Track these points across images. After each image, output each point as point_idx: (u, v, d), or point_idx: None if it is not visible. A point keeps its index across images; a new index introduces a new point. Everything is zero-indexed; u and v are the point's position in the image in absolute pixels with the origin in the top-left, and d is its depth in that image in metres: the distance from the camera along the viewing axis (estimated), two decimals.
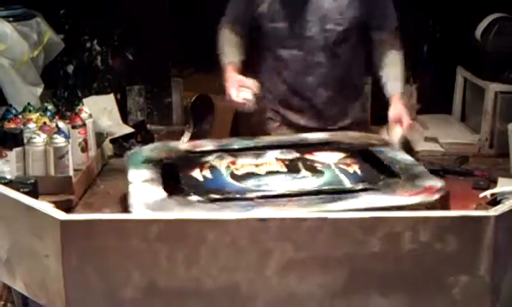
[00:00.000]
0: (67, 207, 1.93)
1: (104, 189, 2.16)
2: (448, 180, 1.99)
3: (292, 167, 1.90)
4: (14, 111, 2.36)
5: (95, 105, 2.90)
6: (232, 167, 1.90)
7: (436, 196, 1.69)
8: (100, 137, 2.49)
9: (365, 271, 1.21)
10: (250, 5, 2.37)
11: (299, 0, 2.30)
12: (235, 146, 2.10)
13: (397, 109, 2.24)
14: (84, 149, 2.28)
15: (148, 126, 3.02)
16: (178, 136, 2.61)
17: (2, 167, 2.05)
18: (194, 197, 1.67)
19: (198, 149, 2.08)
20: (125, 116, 3.20)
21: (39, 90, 2.79)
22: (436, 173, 2.00)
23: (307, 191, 1.73)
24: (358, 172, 1.87)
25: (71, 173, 2.11)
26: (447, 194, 1.73)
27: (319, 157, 2.00)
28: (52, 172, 2.10)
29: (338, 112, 2.42)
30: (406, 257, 1.21)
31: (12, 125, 2.21)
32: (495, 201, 1.92)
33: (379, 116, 2.41)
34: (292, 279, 1.21)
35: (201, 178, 1.83)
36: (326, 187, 1.76)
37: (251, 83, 2.27)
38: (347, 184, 1.78)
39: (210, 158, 1.97)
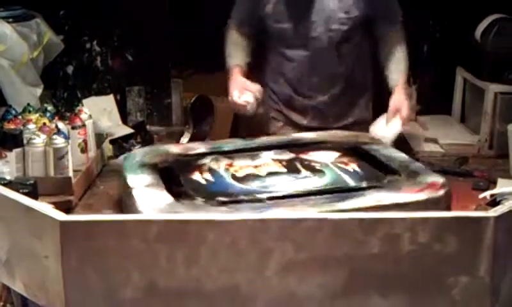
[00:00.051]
0: (67, 208, 1.93)
1: (103, 190, 2.16)
2: (447, 181, 2.00)
3: (291, 168, 1.90)
4: (14, 112, 2.36)
5: (94, 105, 2.90)
6: (231, 169, 1.89)
7: (441, 192, 1.72)
8: (99, 137, 2.49)
9: (365, 272, 1.21)
10: (256, 6, 2.37)
11: (304, 0, 2.31)
12: (227, 148, 2.08)
13: (398, 98, 2.24)
14: (84, 150, 2.28)
15: (147, 127, 3.02)
16: (178, 137, 2.62)
17: (1, 168, 2.05)
18: (202, 201, 1.65)
19: (190, 152, 2.05)
20: (124, 117, 3.20)
21: (38, 91, 2.78)
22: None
23: (316, 191, 1.73)
24: (358, 170, 1.87)
25: (70, 173, 2.11)
26: (449, 190, 1.76)
27: (314, 156, 2.00)
28: (51, 173, 2.10)
29: (341, 112, 2.43)
30: (405, 258, 1.21)
31: (12, 126, 2.21)
32: (494, 202, 1.92)
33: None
34: (292, 280, 1.21)
35: (203, 181, 1.82)
36: (333, 187, 1.76)
37: (254, 87, 2.28)
38: (351, 183, 1.79)
39: (206, 161, 1.95)
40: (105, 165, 2.38)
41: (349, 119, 2.44)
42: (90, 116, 2.40)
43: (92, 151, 2.35)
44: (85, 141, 2.29)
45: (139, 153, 2.06)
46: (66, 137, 2.15)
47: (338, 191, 1.72)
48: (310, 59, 2.35)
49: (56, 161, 2.10)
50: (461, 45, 3.05)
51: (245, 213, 1.53)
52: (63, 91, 3.29)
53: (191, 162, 1.96)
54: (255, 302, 1.22)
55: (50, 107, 2.46)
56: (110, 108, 3.08)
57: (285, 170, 1.89)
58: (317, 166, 1.91)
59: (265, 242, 1.20)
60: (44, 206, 1.28)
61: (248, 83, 2.29)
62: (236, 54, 2.41)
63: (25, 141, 2.12)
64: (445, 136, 2.84)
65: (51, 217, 1.22)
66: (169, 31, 3.31)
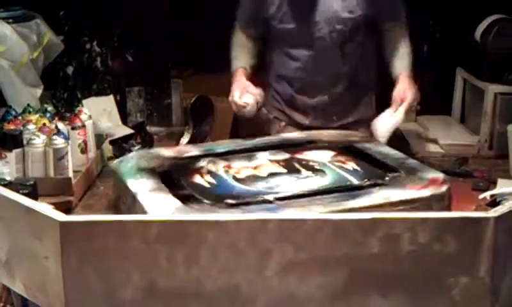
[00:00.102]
0: (67, 208, 1.93)
1: (103, 191, 2.16)
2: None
3: (290, 168, 1.90)
4: (13, 112, 2.36)
5: (94, 106, 2.90)
6: (231, 171, 1.88)
7: (445, 187, 1.74)
8: (99, 138, 2.49)
9: (365, 272, 1.21)
10: (260, 7, 2.38)
11: (308, 1, 2.31)
12: (220, 150, 2.06)
13: (402, 87, 2.24)
14: (84, 150, 2.28)
15: (147, 127, 3.02)
16: (178, 137, 2.62)
17: (1, 169, 2.05)
18: (211, 204, 1.63)
19: (185, 155, 2.03)
20: (124, 118, 3.20)
21: (38, 91, 2.78)
22: None
23: (323, 190, 1.73)
24: (358, 169, 1.88)
25: (70, 174, 2.11)
26: (450, 185, 1.78)
27: (310, 156, 1.99)
28: (51, 173, 2.10)
29: (344, 111, 2.44)
30: (405, 258, 1.21)
31: (12, 126, 2.21)
32: (494, 202, 1.92)
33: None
34: (292, 280, 1.21)
35: (206, 184, 1.80)
36: (338, 186, 1.76)
37: (256, 90, 2.28)
38: (355, 181, 1.79)
39: (204, 164, 1.93)
40: (105, 166, 2.37)
41: (351, 118, 2.44)
42: (90, 117, 2.41)
43: (92, 152, 2.35)
44: (85, 142, 2.29)
45: (132, 157, 2.01)
46: (66, 138, 2.16)
47: (345, 190, 1.73)
48: (314, 58, 2.35)
49: (55, 162, 2.10)
50: (461, 45, 3.04)
51: (244, 214, 1.53)
52: (62, 91, 3.29)
53: (188, 165, 1.93)
54: (255, 303, 1.22)
55: (50, 108, 2.47)
56: (110, 108, 3.08)
57: (285, 170, 1.88)
58: (316, 166, 1.91)
59: (265, 243, 1.20)
60: (44, 207, 1.28)
61: (250, 85, 2.30)
62: (241, 56, 2.42)
63: (25, 142, 2.12)
64: (445, 137, 2.84)
65: (51, 217, 1.22)
66: (169, 31, 3.31)
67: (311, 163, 1.93)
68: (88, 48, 3.29)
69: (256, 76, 2.42)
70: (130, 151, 2.58)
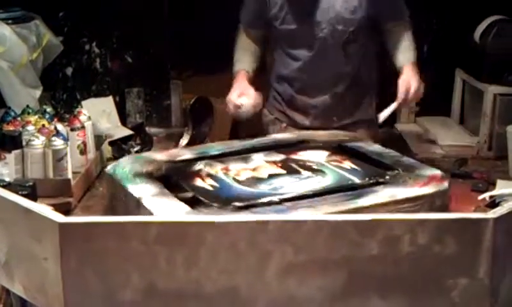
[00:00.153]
0: (66, 210, 1.93)
1: (102, 192, 2.16)
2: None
3: (289, 169, 1.90)
4: (13, 113, 2.36)
5: (93, 107, 2.90)
6: (230, 173, 1.87)
7: (446, 184, 1.77)
8: (98, 139, 2.49)
9: (365, 274, 1.21)
10: (262, 8, 2.38)
11: (310, 1, 2.31)
12: (213, 153, 2.05)
13: (407, 75, 2.24)
14: (83, 151, 2.28)
15: (147, 128, 3.02)
16: (177, 138, 2.62)
17: (0, 170, 2.06)
18: (219, 207, 1.62)
19: (178, 159, 2.01)
20: (124, 119, 3.20)
21: (38, 92, 2.78)
22: None
23: (328, 190, 1.73)
24: (356, 168, 1.88)
25: (70, 175, 2.11)
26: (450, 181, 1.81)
27: (305, 156, 1.99)
28: (50, 174, 2.10)
29: (344, 111, 2.43)
30: (404, 259, 1.21)
31: (11, 128, 2.21)
32: (493, 204, 1.92)
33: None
34: (292, 282, 1.21)
35: (209, 187, 1.78)
36: (343, 185, 1.77)
37: (254, 94, 2.28)
38: (356, 181, 1.79)
39: (201, 167, 1.91)
40: (105, 167, 2.37)
41: (352, 119, 2.44)
42: (89, 118, 2.41)
43: (91, 153, 2.36)
44: (84, 143, 2.29)
45: (126, 162, 1.95)
46: (65, 139, 2.16)
47: (349, 189, 1.73)
48: (315, 58, 2.35)
49: (55, 163, 2.10)
50: (460, 46, 3.05)
51: (244, 215, 1.53)
52: (62, 92, 3.29)
53: (185, 169, 1.91)
54: (255, 304, 1.22)
55: (49, 109, 2.47)
56: (109, 110, 3.08)
57: (284, 171, 1.88)
58: (314, 166, 1.91)
59: (265, 244, 1.20)
60: (43, 208, 1.27)
61: (250, 89, 2.30)
62: (244, 59, 2.43)
63: (24, 143, 2.12)
64: (444, 138, 2.84)
65: (50, 219, 1.22)
66: (168, 32, 3.32)
67: (308, 163, 1.93)
68: (87, 49, 3.29)
69: (258, 77, 2.42)
70: (129, 152, 2.58)
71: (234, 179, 1.82)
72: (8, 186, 1.84)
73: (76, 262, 1.21)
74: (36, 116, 2.34)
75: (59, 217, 1.22)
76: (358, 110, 2.45)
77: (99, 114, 2.94)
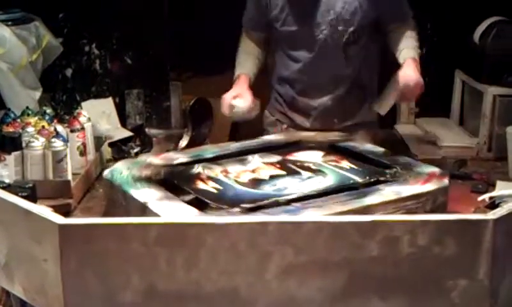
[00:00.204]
0: (66, 211, 1.93)
1: (102, 193, 2.16)
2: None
3: (288, 169, 1.90)
4: (12, 115, 2.36)
5: (93, 108, 2.90)
6: (230, 175, 1.85)
7: (446, 181, 1.79)
8: (98, 140, 2.49)
9: (365, 275, 1.21)
10: (263, 9, 2.38)
11: (311, 3, 2.31)
12: (208, 155, 2.04)
13: (408, 68, 2.23)
14: (83, 153, 2.28)
15: (146, 130, 3.02)
16: (176, 140, 2.62)
17: (0, 171, 2.06)
18: (228, 209, 1.61)
19: (174, 162, 1.99)
20: (123, 120, 3.19)
21: (37, 94, 2.78)
22: None
23: (334, 189, 1.73)
24: (355, 167, 1.88)
25: (69, 176, 2.11)
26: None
27: (301, 157, 1.99)
28: (50, 176, 2.10)
29: (345, 113, 2.43)
30: (404, 260, 1.21)
31: (10, 129, 2.21)
32: (493, 205, 1.93)
33: (383, 117, 2.42)
34: (292, 283, 1.21)
35: (213, 190, 1.76)
36: (348, 184, 1.77)
37: (251, 99, 2.29)
38: (358, 180, 1.80)
39: (199, 170, 1.89)
40: (104, 169, 2.37)
41: (353, 121, 2.44)
42: (89, 119, 2.41)
43: (91, 154, 2.35)
44: (84, 144, 2.29)
45: (122, 166, 1.92)
46: (65, 140, 2.15)
47: (353, 188, 1.74)
48: (316, 60, 2.35)
49: (54, 164, 2.10)
50: (460, 47, 3.05)
51: (244, 217, 1.53)
52: (61, 94, 3.29)
53: (184, 172, 1.90)
54: (255, 305, 1.22)
55: (49, 110, 2.47)
56: (109, 111, 3.08)
57: (284, 172, 1.88)
58: (312, 166, 1.91)
59: (265, 245, 1.20)
60: (43, 210, 1.27)
61: (247, 93, 2.30)
62: (245, 64, 2.43)
63: (24, 144, 2.12)
64: (444, 139, 2.84)
65: (50, 220, 1.22)
66: (168, 33, 3.32)
67: (306, 164, 1.93)
68: (87, 50, 3.29)
69: (258, 78, 2.43)
70: (129, 153, 2.58)
71: (236, 181, 1.82)
72: (7, 187, 1.84)
73: (76, 263, 1.21)
74: (36, 118, 2.34)
75: (59, 219, 1.22)
76: (359, 113, 2.45)
77: (99, 115, 2.94)
